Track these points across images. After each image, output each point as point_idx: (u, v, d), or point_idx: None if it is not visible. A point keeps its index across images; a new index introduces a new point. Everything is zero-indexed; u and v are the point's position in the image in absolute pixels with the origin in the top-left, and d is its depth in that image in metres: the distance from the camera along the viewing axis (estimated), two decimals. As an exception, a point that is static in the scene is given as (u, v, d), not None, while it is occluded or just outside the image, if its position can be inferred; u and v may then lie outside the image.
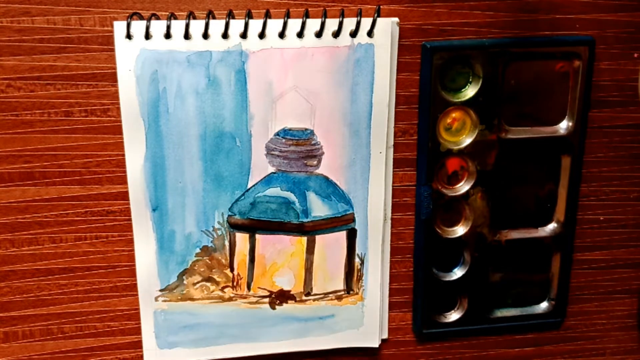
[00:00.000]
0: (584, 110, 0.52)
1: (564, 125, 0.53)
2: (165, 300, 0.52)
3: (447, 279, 0.55)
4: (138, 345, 0.53)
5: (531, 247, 0.56)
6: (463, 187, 0.53)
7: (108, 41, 0.47)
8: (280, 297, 0.53)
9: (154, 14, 0.46)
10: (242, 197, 0.50)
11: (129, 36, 0.46)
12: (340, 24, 0.47)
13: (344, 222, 0.52)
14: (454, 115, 0.51)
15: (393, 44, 0.49)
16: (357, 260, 0.53)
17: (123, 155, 0.48)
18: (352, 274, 0.53)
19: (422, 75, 0.50)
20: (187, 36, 0.46)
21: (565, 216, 0.55)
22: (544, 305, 0.57)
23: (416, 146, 0.52)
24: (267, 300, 0.53)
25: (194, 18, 0.47)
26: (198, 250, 0.51)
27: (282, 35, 0.47)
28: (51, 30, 0.46)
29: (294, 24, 0.47)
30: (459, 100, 0.51)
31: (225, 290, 0.52)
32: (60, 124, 0.48)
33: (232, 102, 0.48)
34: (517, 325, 0.58)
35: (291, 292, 0.53)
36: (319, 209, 0.51)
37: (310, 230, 0.52)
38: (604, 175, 0.56)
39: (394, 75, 0.50)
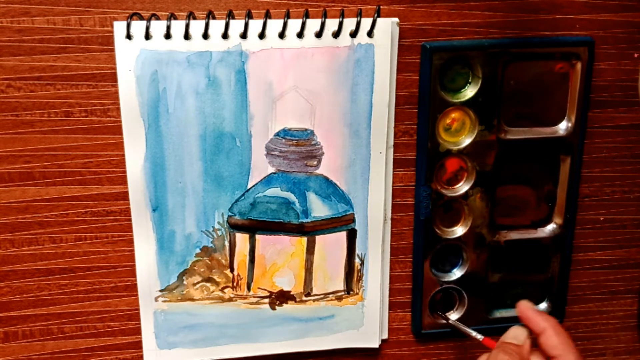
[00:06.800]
0: (583, 111, 0.52)
1: (563, 126, 0.53)
2: (165, 301, 0.52)
3: (447, 279, 0.55)
4: (138, 345, 0.53)
5: (530, 248, 0.56)
6: (462, 187, 0.53)
7: (108, 41, 0.47)
8: (280, 297, 0.53)
9: (154, 14, 0.46)
10: (242, 198, 0.50)
11: (129, 36, 0.46)
12: (340, 24, 0.47)
13: (344, 223, 0.52)
14: (453, 115, 0.51)
15: (393, 44, 0.49)
16: (357, 260, 0.53)
17: (123, 155, 0.48)
18: (352, 274, 0.53)
19: (421, 75, 0.50)
20: (187, 36, 0.46)
21: (564, 217, 0.55)
22: (543, 305, 0.57)
23: (416, 146, 0.52)
24: (267, 300, 0.53)
25: (194, 18, 0.47)
26: (198, 250, 0.51)
27: (282, 35, 0.47)
28: (51, 30, 0.46)
29: (294, 24, 0.47)
30: (459, 100, 0.51)
31: (225, 290, 0.52)
32: (60, 124, 0.48)
33: (232, 102, 0.48)
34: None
35: (291, 293, 0.53)
36: (319, 209, 0.51)
37: (310, 230, 0.52)
38: (604, 175, 0.56)
39: (394, 76, 0.50)
